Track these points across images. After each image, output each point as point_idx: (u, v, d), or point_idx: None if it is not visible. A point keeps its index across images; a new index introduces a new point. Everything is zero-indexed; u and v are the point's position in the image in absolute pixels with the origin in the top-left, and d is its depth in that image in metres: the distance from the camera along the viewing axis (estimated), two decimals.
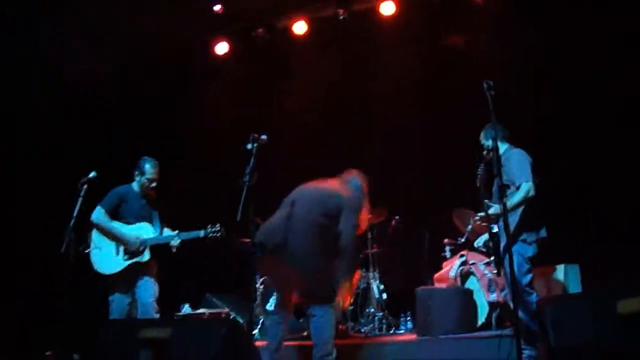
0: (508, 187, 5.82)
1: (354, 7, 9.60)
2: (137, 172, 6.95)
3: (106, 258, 6.77)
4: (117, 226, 6.78)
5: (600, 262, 7.67)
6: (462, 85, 8.16)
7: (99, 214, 6.77)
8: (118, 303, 6.74)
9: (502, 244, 5.96)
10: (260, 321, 8.35)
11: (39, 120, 8.68)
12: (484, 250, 7.07)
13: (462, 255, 7.98)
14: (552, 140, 8.12)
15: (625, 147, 7.81)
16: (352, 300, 6.45)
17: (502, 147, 6.19)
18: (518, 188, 5.91)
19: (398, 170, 9.33)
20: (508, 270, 4.93)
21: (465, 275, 7.89)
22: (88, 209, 6.74)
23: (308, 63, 9.65)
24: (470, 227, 8.16)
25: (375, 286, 8.71)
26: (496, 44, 8.68)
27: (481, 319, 7.58)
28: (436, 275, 8.20)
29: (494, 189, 6.18)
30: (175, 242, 6.77)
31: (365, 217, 6.27)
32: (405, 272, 9.11)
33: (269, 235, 5.93)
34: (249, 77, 10.06)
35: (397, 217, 8.85)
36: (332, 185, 6.24)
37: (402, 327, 8.53)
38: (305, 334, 7.54)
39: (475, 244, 6.95)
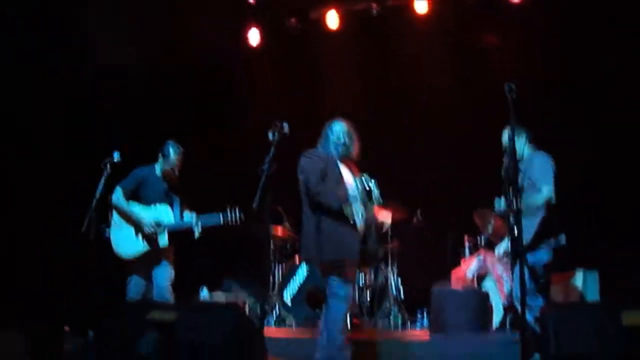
0: (522, 189, 5.79)
1: (388, 2, 9.58)
2: (161, 155, 7.00)
3: (126, 240, 6.85)
4: (136, 210, 6.85)
5: (620, 268, 7.62)
6: (490, 85, 8.10)
7: (118, 195, 6.85)
8: (135, 285, 6.84)
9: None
10: (276, 309, 8.42)
11: (66, 101, 8.76)
12: (503, 258, 7.03)
13: (479, 256, 7.95)
14: (573, 144, 8.03)
15: None
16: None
17: (527, 150, 6.16)
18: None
19: (422, 168, 9.32)
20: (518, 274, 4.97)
21: (482, 276, 7.87)
22: (110, 190, 6.87)
23: (339, 56, 9.64)
24: (490, 227, 8.14)
25: (393, 282, 8.73)
26: (527, 46, 8.60)
27: (496, 322, 7.57)
28: (453, 271, 8.17)
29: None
30: (197, 230, 6.84)
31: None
32: (425, 269, 9.07)
33: None
34: (280, 68, 10.06)
35: (418, 214, 8.84)
36: None
37: (418, 324, 8.53)
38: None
39: (496, 252, 6.93)
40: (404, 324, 8.47)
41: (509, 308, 7.48)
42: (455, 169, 9.19)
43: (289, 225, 9.07)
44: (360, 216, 5.88)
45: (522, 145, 6.09)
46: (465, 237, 8.49)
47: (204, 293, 8.70)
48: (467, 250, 8.44)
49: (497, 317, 7.61)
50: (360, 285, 8.57)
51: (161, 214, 6.85)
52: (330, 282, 5.72)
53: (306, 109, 9.38)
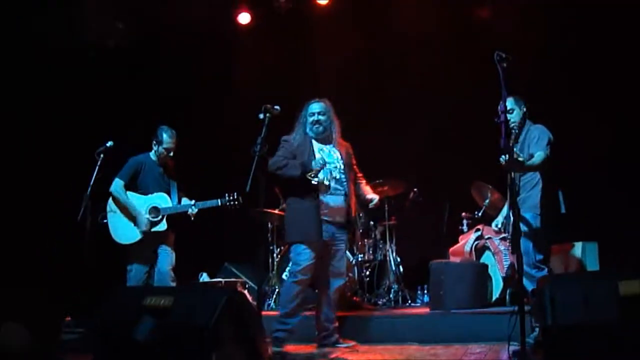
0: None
1: None
2: (154, 141, 6.99)
3: (124, 228, 6.85)
4: (133, 203, 6.83)
5: (619, 239, 7.60)
6: (484, 55, 8.03)
7: (117, 187, 6.86)
8: (136, 272, 6.84)
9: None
10: (276, 290, 8.41)
11: (57, 89, 8.70)
12: (500, 230, 7.00)
13: (477, 230, 7.94)
14: (573, 115, 7.99)
15: None
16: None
17: (524, 122, 6.12)
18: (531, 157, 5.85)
19: (417, 142, 9.27)
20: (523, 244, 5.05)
21: (480, 250, 7.86)
22: (104, 177, 6.85)
23: (330, 32, 9.54)
24: (488, 201, 8.15)
25: (392, 258, 8.73)
26: (522, 15, 8.53)
27: (495, 295, 7.58)
28: (452, 249, 8.16)
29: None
30: (192, 211, 6.84)
31: None
32: (423, 245, 9.07)
33: None
34: (271, 48, 9.98)
35: (415, 189, 8.82)
36: None
37: (418, 300, 8.56)
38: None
39: (493, 225, 6.91)
40: (404, 301, 8.46)
41: (508, 281, 7.48)
42: (451, 142, 9.16)
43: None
44: (335, 182, 6.22)
45: (519, 114, 6.02)
46: (463, 214, 8.48)
47: (204, 278, 8.68)
48: (464, 227, 8.43)
49: (496, 291, 7.61)
50: (359, 261, 8.56)
51: (159, 201, 6.86)
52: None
53: (298, 88, 9.31)
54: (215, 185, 7.45)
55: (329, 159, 6.23)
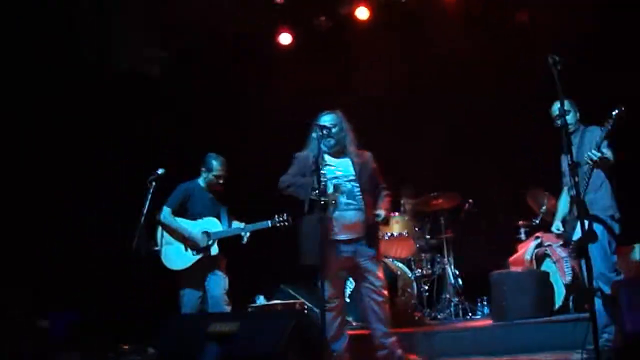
0: (579, 164, 5.60)
1: None
2: (203, 169, 6.98)
3: (176, 254, 6.83)
4: (184, 225, 6.82)
5: None
6: (531, 62, 7.93)
7: (165, 214, 6.85)
8: (189, 297, 6.79)
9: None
10: None
11: (104, 117, 8.81)
12: (561, 234, 6.83)
13: (537, 237, 7.80)
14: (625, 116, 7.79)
15: None
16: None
17: (577, 125, 5.98)
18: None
19: (469, 153, 9.20)
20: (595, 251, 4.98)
21: (540, 258, 7.73)
22: (157, 205, 6.85)
23: (371, 48, 9.50)
24: (544, 208, 7.97)
25: (451, 272, 8.63)
26: (562, 19, 8.39)
27: (558, 303, 7.43)
28: (511, 259, 8.03)
29: (564, 167, 6.00)
30: (244, 233, 6.79)
31: None
32: (481, 256, 8.93)
33: None
34: (313, 66, 9.95)
35: (470, 200, 8.70)
36: None
37: (479, 313, 8.43)
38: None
39: (554, 229, 6.74)
40: (465, 314, 8.33)
41: (571, 288, 7.31)
42: (502, 151, 9.03)
43: None
44: (347, 197, 5.91)
45: (575, 116, 5.90)
46: (520, 223, 8.33)
47: (261, 301, 8.62)
48: (522, 236, 8.28)
49: (558, 298, 7.45)
50: (418, 276, 8.45)
51: (209, 226, 6.82)
52: None
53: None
54: (264, 207, 7.40)
55: (343, 172, 5.97)
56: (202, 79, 9.67)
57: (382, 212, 5.99)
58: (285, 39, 10.05)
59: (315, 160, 5.72)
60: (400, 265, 8.37)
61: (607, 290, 5.40)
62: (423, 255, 8.75)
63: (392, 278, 7.81)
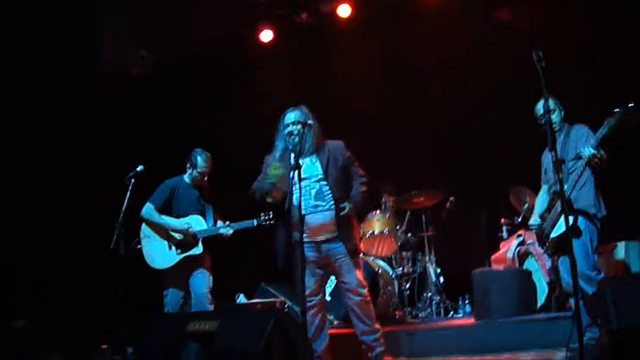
0: (563, 161, 5.59)
1: None
2: (188, 165, 6.90)
3: (159, 252, 6.77)
4: (168, 220, 6.75)
5: None
6: (513, 60, 7.92)
7: (148, 209, 6.77)
8: (172, 297, 6.73)
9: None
10: None
11: (85, 116, 8.72)
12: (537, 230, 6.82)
13: (519, 235, 7.80)
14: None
15: None
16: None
17: (561, 123, 5.96)
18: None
19: (451, 151, 9.20)
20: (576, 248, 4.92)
21: (523, 256, 7.73)
22: (137, 203, 6.75)
23: (353, 45, 9.46)
24: (527, 205, 7.96)
25: (432, 270, 8.60)
26: (544, 16, 8.39)
27: (540, 301, 7.44)
28: (493, 256, 8.04)
29: (545, 164, 6.00)
30: (228, 232, 6.72)
31: None
32: (462, 254, 8.92)
33: None
34: (294, 63, 9.90)
35: (452, 198, 8.68)
36: None
37: (460, 311, 8.41)
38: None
39: (530, 223, 6.71)
40: (446, 312, 8.31)
41: (553, 285, 7.30)
42: (483, 149, 9.03)
43: None
44: (315, 198, 5.74)
45: (559, 115, 5.88)
46: (503, 221, 8.32)
47: (241, 299, 8.56)
48: (504, 234, 8.27)
49: (541, 296, 7.47)
50: (399, 275, 8.42)
51: (193, 223, 6.75)
52: None
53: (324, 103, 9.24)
54: (248, 205, 7.34)
55: (307, 173, 5.71)
56: (185, 79, 9.63)
57: (346, 205, 5.74)
58: (266, 36, 9.97)
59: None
60: (381, 263, 8.36)
61: (587, 288, 5.40)
62: (404, 253, 8.73)
63: (372, 276, 7.78)
